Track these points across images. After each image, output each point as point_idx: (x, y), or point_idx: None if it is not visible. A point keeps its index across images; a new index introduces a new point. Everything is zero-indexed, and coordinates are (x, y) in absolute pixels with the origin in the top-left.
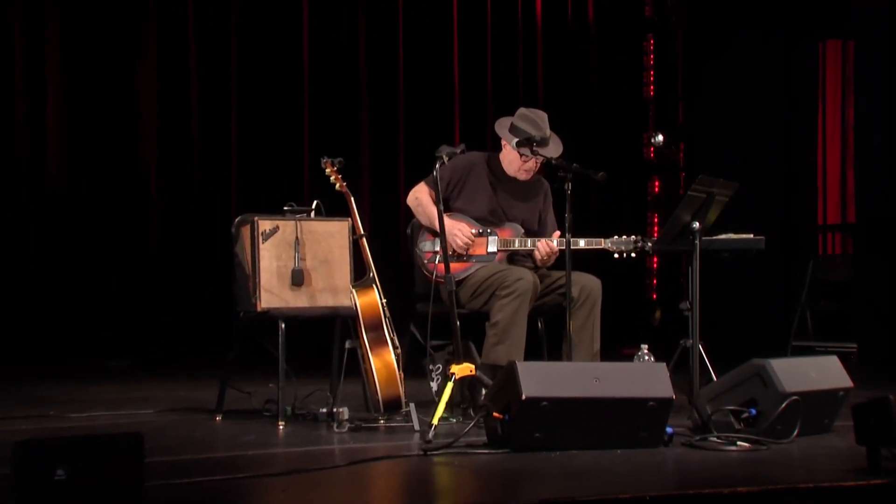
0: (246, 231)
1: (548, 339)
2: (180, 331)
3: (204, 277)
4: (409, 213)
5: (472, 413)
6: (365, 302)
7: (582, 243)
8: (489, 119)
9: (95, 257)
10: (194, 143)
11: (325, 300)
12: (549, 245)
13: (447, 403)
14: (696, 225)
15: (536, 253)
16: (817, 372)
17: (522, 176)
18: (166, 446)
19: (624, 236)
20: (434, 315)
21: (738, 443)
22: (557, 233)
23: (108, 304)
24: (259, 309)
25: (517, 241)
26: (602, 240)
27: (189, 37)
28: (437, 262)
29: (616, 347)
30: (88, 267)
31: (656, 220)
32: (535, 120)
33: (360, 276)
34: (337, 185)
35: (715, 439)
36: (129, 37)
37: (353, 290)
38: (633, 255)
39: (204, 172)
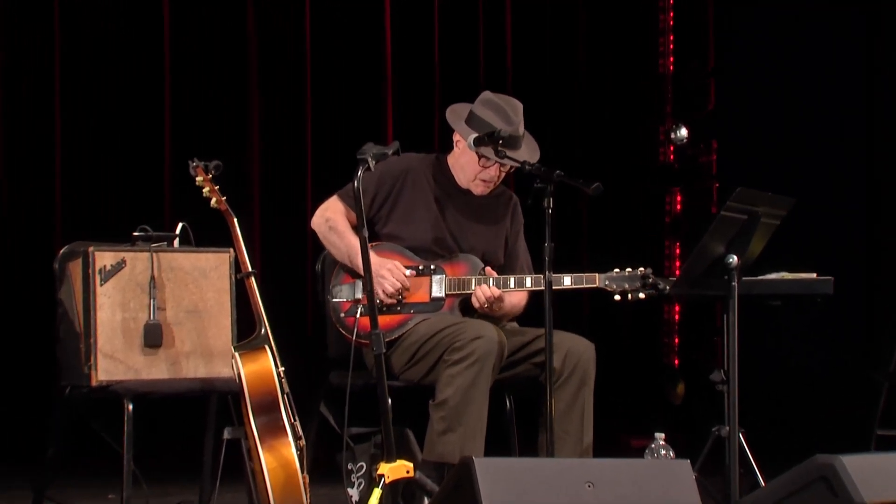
0: (76, 268)
1: (519, 425)
2: None
3: (11, 336)
4: (319, 242)
5: None
6: (253, 371)
7: (567, 281)
8: (436, 109)
9: None
10: None
11: (195, 369)
12: (487, 289)
13: None
14: (734, 259)
15: (473, 299)
16: None
17: (479, 189)
18: None
19: (627, 270)
20: (354, 391)
21: None
22: (490, 269)
23: None
24: (94, 382)
25: (474, 282)
26: (596, 276)
27: None
28: (358, 314)
29: (619, 437)
30: None
31: (677, 251)
32: (503, 107)
33: (246, 335)
34: (213, 201)
35: None
36: None
37: (237, 355)
38: (640, 296)
39: (12, 183)
